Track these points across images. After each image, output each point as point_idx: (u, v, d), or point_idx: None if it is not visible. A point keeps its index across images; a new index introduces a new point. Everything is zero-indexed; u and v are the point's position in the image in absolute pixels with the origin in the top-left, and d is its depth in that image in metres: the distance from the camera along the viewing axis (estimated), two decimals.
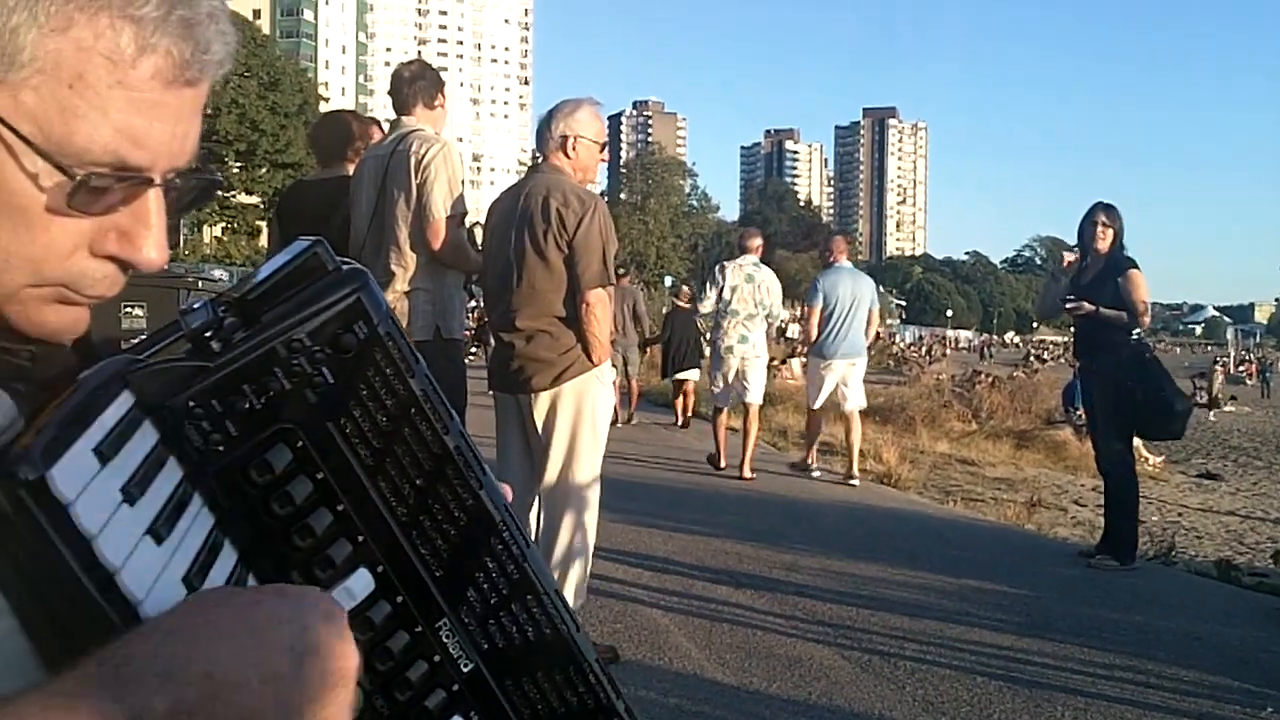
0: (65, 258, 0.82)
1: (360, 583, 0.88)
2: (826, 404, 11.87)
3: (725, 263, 11.89)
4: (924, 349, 69.19)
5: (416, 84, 5.39)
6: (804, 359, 13.61)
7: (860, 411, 11.80)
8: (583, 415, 5.03)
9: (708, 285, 11.87)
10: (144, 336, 0.91)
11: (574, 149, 5.09)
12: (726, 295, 11.35)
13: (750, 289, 11.33)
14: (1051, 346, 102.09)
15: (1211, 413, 40.54)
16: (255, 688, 0.72)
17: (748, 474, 11.42)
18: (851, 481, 11.62)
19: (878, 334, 12.73)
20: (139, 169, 0.82)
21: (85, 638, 0.72)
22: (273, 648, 0.73)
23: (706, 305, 11.80)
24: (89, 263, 0.84)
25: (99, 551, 0.72)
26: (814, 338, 11.63)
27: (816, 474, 12.12)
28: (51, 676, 0.70)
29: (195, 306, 0.85)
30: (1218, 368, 52.52)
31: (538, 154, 5.25)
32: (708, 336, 12.15)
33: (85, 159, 0.79)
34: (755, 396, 11.52)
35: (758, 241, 11.76)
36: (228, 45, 0.85)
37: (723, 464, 11.92)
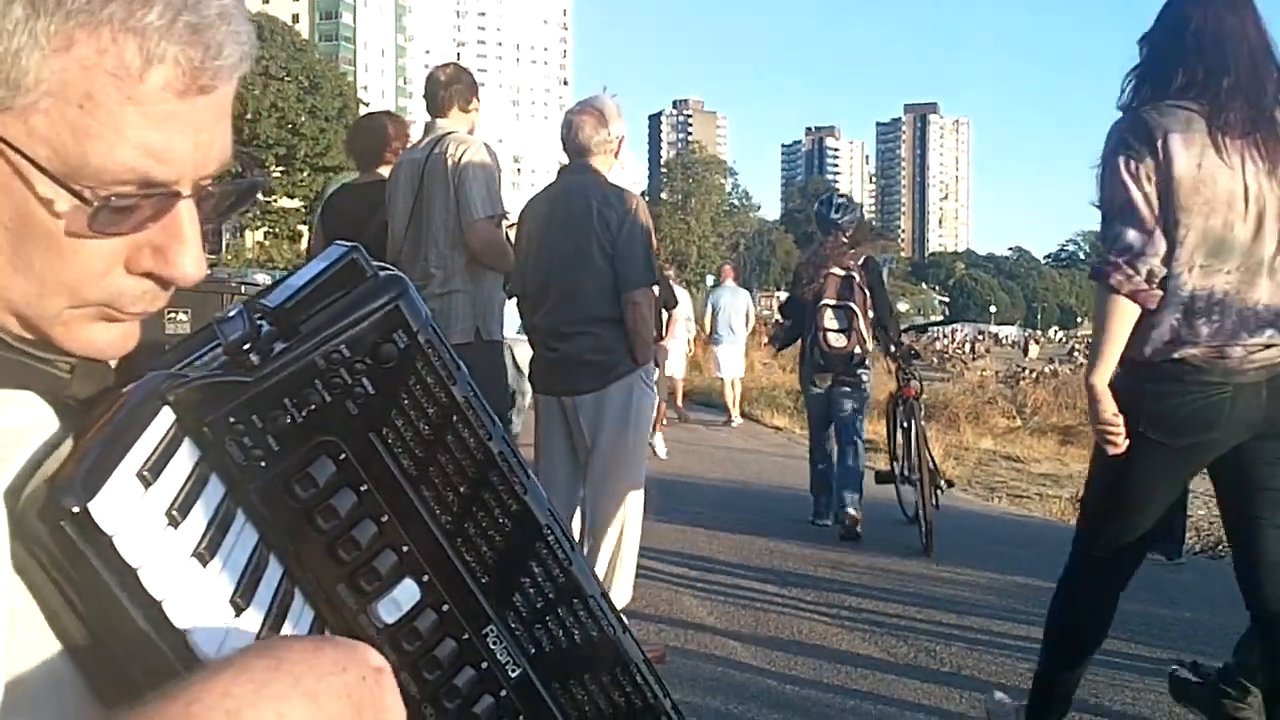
0: (100, 278, 0.81)
1: (406, 593, 0.87)
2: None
3: None
4: (967, 345, 68.65)
5: (452, 87, 5.39)
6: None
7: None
8: (629, 416, 5.02)
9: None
10: (179, 343, 0.90)
11: (620, 150, 5.16)
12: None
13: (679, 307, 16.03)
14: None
15: None
16: None
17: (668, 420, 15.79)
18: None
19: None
20: (164, 184, 0.80)
21: (135, 667, 0.72)
22: (333, 693, 0.73)
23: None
24: (126, 280, 0.82)
25: (144, 580, 0.72)
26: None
27: (735, 424, 17.59)
28: (108, 709, 0.71)
29: (230, 315, 0.84)
30: None
31: (576, 154, 5.21)
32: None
33: (105, 179, 0.77)
34: (679, 372, 16.90)
35: (670, 271, 17.29)
36: (243, 45, 0.82)
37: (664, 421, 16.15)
